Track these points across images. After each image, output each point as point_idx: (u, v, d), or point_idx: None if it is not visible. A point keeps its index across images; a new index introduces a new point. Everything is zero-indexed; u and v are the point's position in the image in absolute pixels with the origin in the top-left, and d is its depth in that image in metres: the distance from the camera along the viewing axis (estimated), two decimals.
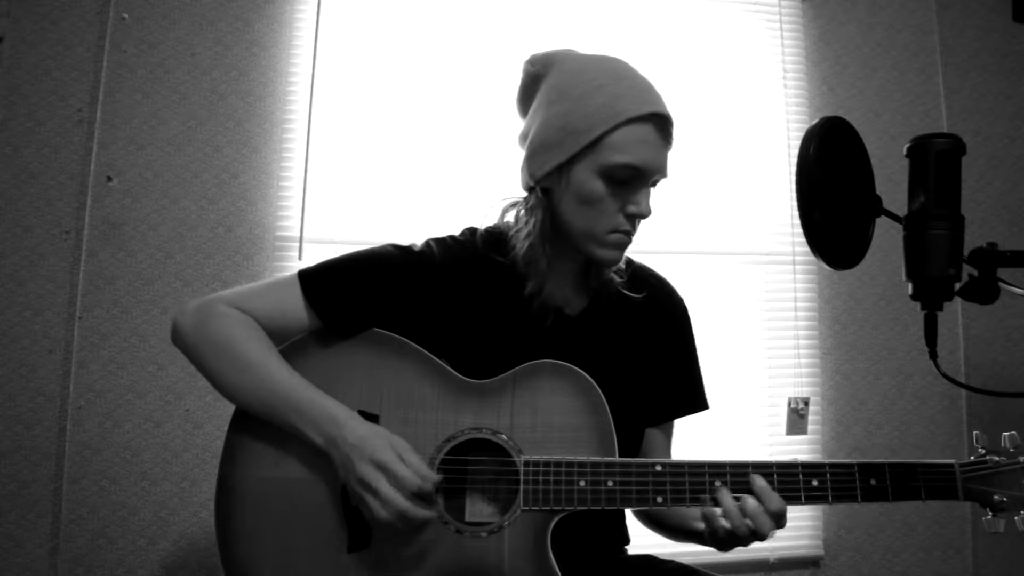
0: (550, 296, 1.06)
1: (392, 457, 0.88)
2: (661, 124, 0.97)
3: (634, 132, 0.95)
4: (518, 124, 1.10)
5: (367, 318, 1.01)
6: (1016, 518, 0.90)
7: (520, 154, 1.07)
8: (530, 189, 1.04)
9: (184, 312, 1.00)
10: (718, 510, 0.91)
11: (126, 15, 1.86)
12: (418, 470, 0.88)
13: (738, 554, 1.90)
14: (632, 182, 0.97)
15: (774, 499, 0.89)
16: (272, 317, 1.00)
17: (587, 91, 0.96)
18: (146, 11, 1.87)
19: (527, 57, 1.06)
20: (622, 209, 0.98)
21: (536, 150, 1.01)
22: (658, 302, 1.15)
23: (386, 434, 0.91)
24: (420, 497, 0.88)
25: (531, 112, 1.05)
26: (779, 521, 0.90)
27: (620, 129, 0.94)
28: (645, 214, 0.99)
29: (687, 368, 1.18)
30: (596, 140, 0.95)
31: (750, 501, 0.89)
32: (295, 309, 1.00)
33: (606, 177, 0.96)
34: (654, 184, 1.01)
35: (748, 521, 0.89)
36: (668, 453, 1.17)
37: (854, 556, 2.04)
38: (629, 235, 1.01)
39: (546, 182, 1.01)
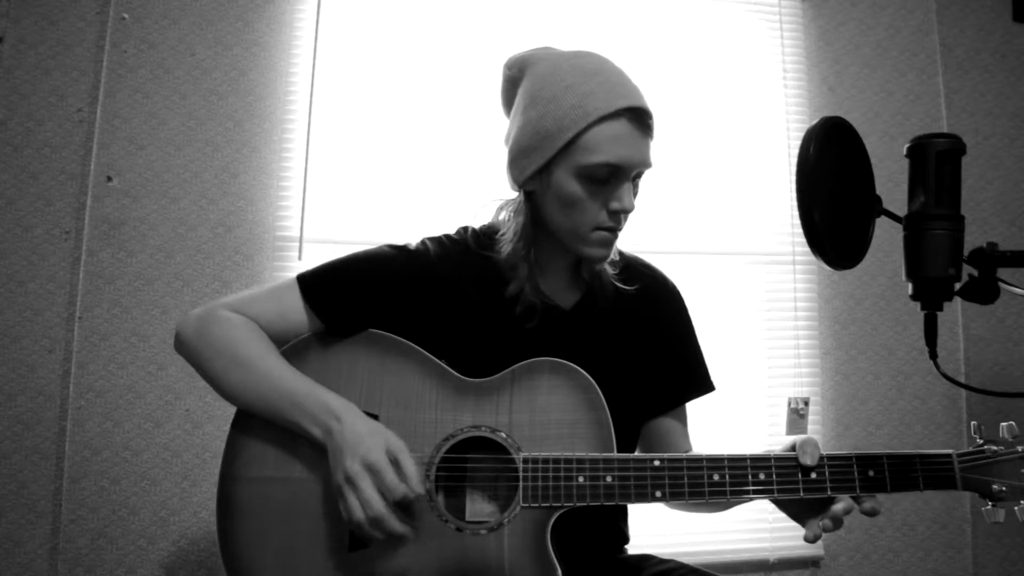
0: (544, 292, 1.07)
1: (383, 461, 0.88)
2: (636, 117, 0.96)
3: (607, 130, 0.94)
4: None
5: (365, 318, 1.02)
6: (1016, 508, 0.89)
7: (506, 156, 1.08)
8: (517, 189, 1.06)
9: (186, 321, 1.01)
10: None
11: (126, 15, 1.86)
12: (408, 478, 0.88)
13: (738, 554, 1.92)
14: (611, 179, 0.97)
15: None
16: (273, 321, 1.01)
17: (557, 93, 0.96)
18: (146, 11, 1.87)
19: (505, 60, 1.07)
20: (605, 206, 0.98)
21: (516, 156, 1.02)
22: (652, 292, 1.16)
23: (384, 434, 0.91)
24: (401, 507, 0.89)
25: (511, 115, 1.07)
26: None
27: (592, 129, 0.94)
28: (628, 209, 0.98)
29: (689, 352, 1.18)
30: (570, 142, 0.95)
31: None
32: (295, 312, 1.02)
33: (584, 177, 0.96)
34: (638, 176, 1.00)
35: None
36: (687, 440, 1.17)
37: (854, 556, 2.04)
38: (614, 231, 1.01)
39: (529, 185, 1.02)
